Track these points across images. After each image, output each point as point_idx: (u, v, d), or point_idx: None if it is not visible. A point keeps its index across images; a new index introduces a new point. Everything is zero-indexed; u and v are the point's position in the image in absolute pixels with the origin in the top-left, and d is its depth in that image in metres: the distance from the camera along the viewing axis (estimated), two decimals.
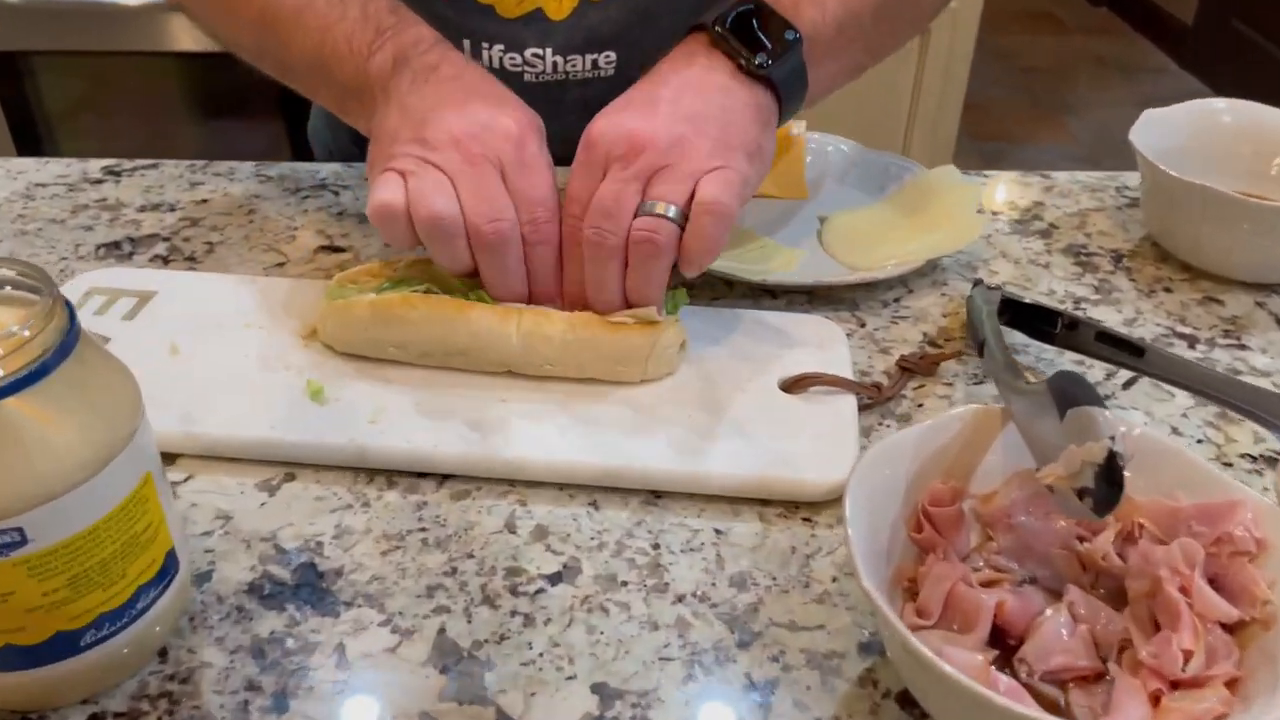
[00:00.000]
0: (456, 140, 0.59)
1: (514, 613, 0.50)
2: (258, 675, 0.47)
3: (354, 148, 0.94)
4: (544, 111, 0.64)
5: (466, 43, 0.81)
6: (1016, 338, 0.68)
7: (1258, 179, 0.79)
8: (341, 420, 0.58)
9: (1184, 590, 0.44)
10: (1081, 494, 0.44)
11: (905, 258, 0.73)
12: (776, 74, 0.62)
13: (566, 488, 0.57)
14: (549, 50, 0.81)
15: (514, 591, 0.51)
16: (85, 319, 0.65)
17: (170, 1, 1.16)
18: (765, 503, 0.56)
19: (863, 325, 0.70)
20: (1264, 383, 0.66)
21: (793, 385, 0.62)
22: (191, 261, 0.75)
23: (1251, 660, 0.43)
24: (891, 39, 0.74)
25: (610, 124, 0.60)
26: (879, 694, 0.47)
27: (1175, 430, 0.62)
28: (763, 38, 0.62)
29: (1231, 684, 0.42)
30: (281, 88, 0.72)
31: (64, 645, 0.43)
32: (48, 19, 1.82)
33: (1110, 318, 0.72)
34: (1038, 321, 0.67)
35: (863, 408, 0.62)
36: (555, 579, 0.52)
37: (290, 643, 0.48)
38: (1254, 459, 0.60)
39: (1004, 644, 0.45)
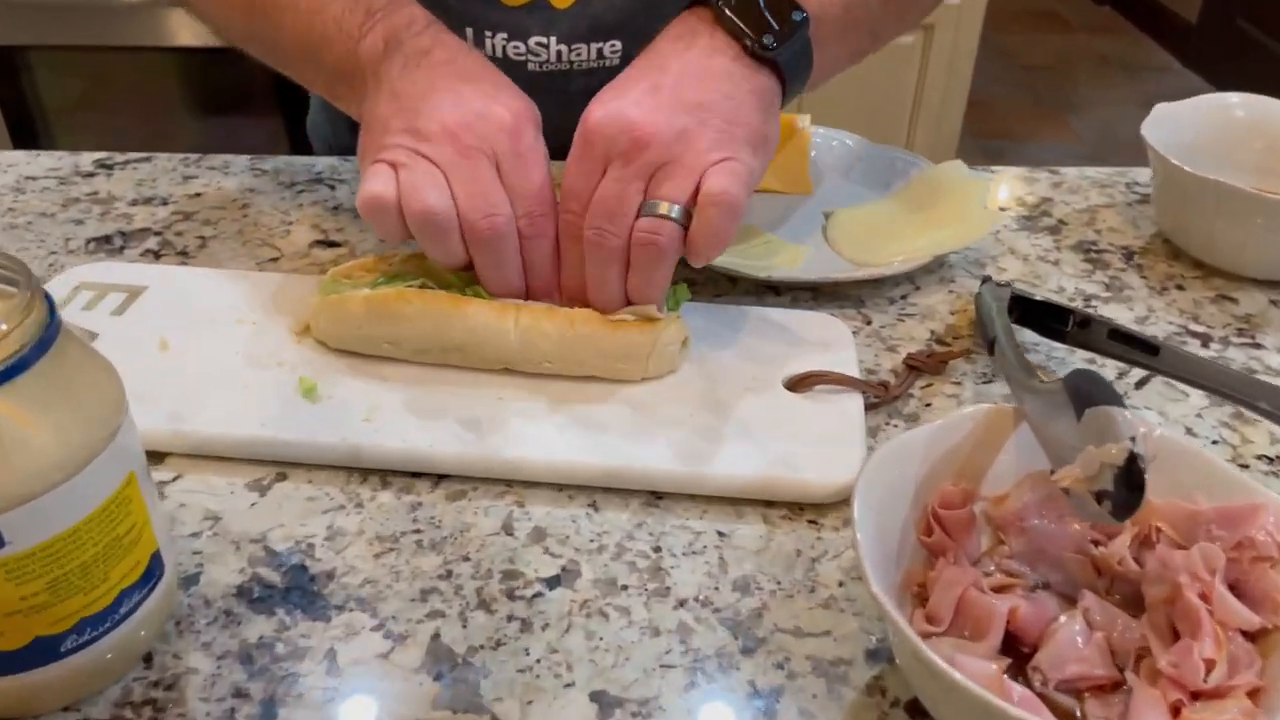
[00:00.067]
0: (449, 131, 0.58)
1: (511, 617, 0.49)
2: (245, 682, 0.45)
3: (354, 141, 0.93)
4: (549, 102, 0.63)
5: (469, 31, 0.79)
6: (1026, 336, 0.67)
7: (1270, 174, 0.78)
8: (334, 418, 0.57)
9: (1204, 597, 0.43)
10: (1100, 497, 0.43)
11: (912, 254, 0.72)
12: (783, 56, 0.60)
13: (565, 488, 0.55)
14: (553, 39, 0.80)
15: (511, 595, 0.50)
16: (74, 314, 0.64)
17: None
18: (769, 504, 0.55)
19: (869, 323, 0.69)
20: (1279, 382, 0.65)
21: (798, 384, 0.60)
22: (184, 256, 0.74)
23: (1274, 669, 0.42)
24: (898, 23, 0.72)
25: (609, 115, 0.57)
26: (887, 703, 0.46)
27: (1190, 431, 0.61)
28: (768, 17, 0.60)
29: (1253, 694, 0.41)
30: (280, 83, 0.70)
31: (44, 650, 0.42)
32: (45, 13, 1.81)
33: (1121, 316, 0.70)
34: (1048, 319, 0.66)
35: (869, 407, 0.60)
36: (553, 582, 0.50)
37: (280, 648, 0.47)
38: (1271, 460, 0.59)
39: (1017, 651, 0.44)
